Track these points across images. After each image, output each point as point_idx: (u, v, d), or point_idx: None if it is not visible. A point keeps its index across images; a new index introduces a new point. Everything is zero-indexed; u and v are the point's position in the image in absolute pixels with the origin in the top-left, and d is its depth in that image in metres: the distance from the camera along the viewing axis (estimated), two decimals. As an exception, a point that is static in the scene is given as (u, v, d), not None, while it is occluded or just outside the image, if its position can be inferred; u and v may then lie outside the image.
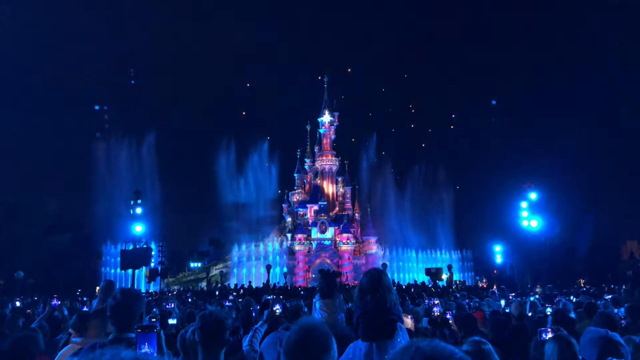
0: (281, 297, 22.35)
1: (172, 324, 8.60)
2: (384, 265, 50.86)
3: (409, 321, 6.93)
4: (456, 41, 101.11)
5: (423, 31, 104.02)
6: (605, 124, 64.95)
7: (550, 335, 4.53)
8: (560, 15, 77.82)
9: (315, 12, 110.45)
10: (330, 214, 64.71)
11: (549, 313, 8.82)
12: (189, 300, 24.06)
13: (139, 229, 34.55)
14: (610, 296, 14.35)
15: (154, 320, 4.35)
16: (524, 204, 37.81)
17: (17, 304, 15.03)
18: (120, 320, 3.97)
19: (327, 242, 61.76)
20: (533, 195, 37.53)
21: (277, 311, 5.46)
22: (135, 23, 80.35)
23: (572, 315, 9.38)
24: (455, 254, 66.59)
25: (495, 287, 36.63)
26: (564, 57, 75.35)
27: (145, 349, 3.18)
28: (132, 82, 76.68)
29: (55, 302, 7.45)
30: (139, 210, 34.76)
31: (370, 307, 3.90)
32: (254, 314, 8.84)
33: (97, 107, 69.78)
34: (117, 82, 77.79)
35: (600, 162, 62.34)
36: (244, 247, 63.34)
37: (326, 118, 67.29)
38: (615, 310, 10.77)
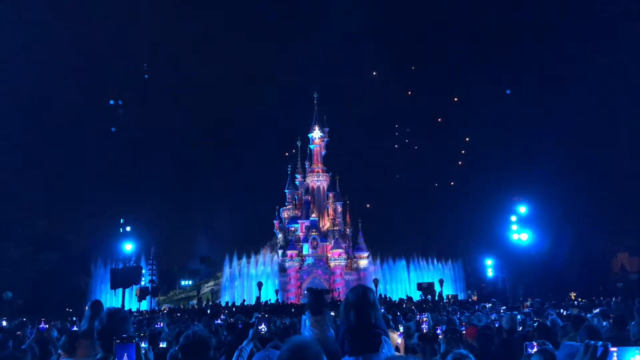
0: (269, 315, 22.13)
1: (162, 344, 8.56)
2: (376, 280, 50.70)
3: (395, 337, 6.94)
4: (454, 49, 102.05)
5: (418, 40, 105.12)
6: (595, 136, 65.64)
7: (535, 349, 4.57)
8: (547, 39, 79.49)
9: (306, 29, 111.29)
10: (322, 229, 64.59)
11: (537, 327, 8.87)
12: (181, 318, 23.87)
13: (128, 247, 34.40)
14: (599, 309, 14.42)
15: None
16: (513, 218, 38.06)
17: (4, 323, 14.88)
18: (108, 342, 4.01)
19: (318, 258, 61.53)
20: (522, 209, 37.80)
21: (262, 330, 5.46)
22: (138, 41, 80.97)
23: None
24: (446, 268, 66.61)
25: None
26: (552, 74, 76.54)
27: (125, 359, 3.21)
28: (146, 76, 76.57)
29: (43, 326, 7.37)
30: (128, 228, 34.65)
31: (355, 322, 3.96)
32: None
33: (112, 102, 68.90)
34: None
35: (591, 175, 62.80)
36: (235, 264, 62.93)
37: (316, 134, 67.40)
38: (605, 323, 10.85)
